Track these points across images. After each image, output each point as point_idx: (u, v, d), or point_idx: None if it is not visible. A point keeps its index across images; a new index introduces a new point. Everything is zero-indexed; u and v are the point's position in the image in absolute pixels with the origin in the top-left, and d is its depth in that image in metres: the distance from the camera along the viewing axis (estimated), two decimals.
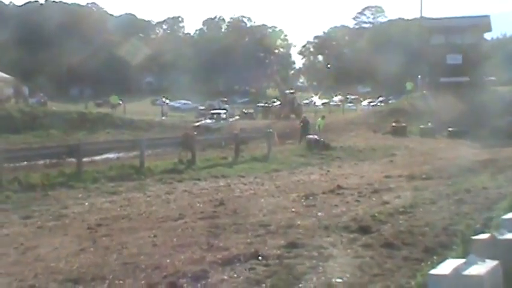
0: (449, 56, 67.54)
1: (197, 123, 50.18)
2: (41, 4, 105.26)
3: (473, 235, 10.56)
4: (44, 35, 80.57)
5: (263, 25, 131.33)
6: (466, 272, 8.09)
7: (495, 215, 13.69)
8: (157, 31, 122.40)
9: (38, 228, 14.26)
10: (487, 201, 17.12)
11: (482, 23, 66.76)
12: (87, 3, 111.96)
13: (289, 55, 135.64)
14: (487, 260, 8.51)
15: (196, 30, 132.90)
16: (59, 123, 46.82)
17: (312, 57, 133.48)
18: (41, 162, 26.54)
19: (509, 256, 9.31)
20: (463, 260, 8.52)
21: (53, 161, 26.60)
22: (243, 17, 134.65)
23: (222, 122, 51.60)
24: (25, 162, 25.34)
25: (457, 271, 8.12)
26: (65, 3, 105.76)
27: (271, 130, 36.11)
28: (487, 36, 73.44)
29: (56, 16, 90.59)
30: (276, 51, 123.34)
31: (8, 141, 38.02)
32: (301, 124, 43.67)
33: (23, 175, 21.99)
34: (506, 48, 64.63)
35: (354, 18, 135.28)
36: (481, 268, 8.23)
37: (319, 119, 45.03)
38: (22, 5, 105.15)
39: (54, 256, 11.37)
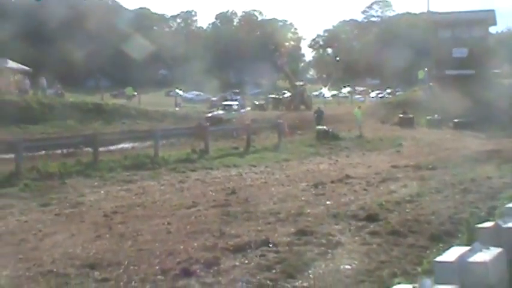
0: (455, 50, 67.21)
1: (210, 114, 50.11)
2: None
3: (478, 223, 10.55)
4: (62, 28, 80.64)
5: (274, 19, 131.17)
6: (471, 259, 8.08)
7: (499, 204, 13.66)
8: (171, 25, 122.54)
9: (55, 216, 14.32)
10: (491, 190, 17.11)
11: (487, 17, 66.43)
12: None
13: (300, 48, 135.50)
14: (492, 248, 8.49)
15: (209, 24, 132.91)
16: (76, 114, 46.84)
17: (321, 50, 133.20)
18: (59, 151, 26.58)
19: None
20: (468, 248, 8.50)
21: (70, 151, 26.63)
22: (254, 10, 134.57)
23: (233, 113, 51.49)
24: (43, 152, 25.39)
25: (462, 258, 8.11)
26: None
27: (281, 121, 36.06)
28: (492, 30, 73.14)
29: (73, 9, 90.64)
30: (287, 44, 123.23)
31: (27, 131, 38.14)
32: (316, 115, 43.64)
33: (41, 164, 22.04)
34: (511, 42, 64.35)
35: (362, 12, 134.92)
36: (485, 255, 8.21)
37: (356, 109, 44.33)
38: None
39: (71, 242, 11.42)
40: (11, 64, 58.89)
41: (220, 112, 51.22)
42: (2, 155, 23.34)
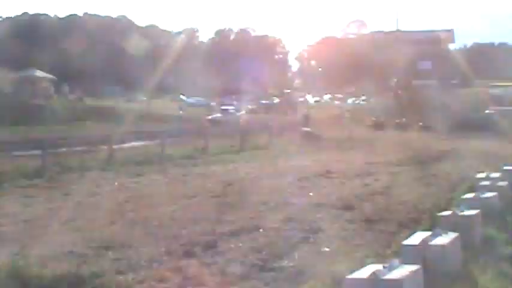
0: (420, 63, 67.69)
1: (209, 117, 50.02)
2: (80, 16, 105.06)
3: (438, 212, 10.61)
4: (82, 42, 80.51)
5: (265, 35, 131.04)
6: (432, 243, 8.14)
7: (456, 195, 13.73)
8: (176, 40, 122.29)
9: (76, 204, 14.28)
10: (450, 184, 17.17)
11: (447, 36, 66.87)
12: (118, 16, 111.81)
13: (287, 60, 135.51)
14: (449, 232, 8.56)
15: (209, 38, 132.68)
16: (94, 116, 46.87)
17: (306, 62, 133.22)
18: (79, 148, 26.56)
19: (467, 229, 9.39)
20: (430, 233, 8.56)
21: (88, 148, 26.61)
22: (249, 28, 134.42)
23: (230, 116, 51.43)
24: (65, 149, 25.37)
25: (424, 242, 8.17)
26: (99, 15, 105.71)
27: (271, 123, 36.09)
28: (451, 46, 73.38)
29: (91, 26, 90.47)
30: (276, 56, 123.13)
31: (51, 131, 38.05)
32: (303, 118, 43.61)
33: (64, 159, 22.07)
34: (466, 56, 64.68)
35: (341, 30, 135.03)
36: (444, 239, 8.28)
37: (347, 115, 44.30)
38: (64, 17, 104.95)
39: (89, 227, 11.42)
40: (39, 73, 58.86)
41: (219, 115, 51.17)
42: (30, 151, 23.33)
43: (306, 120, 42.46)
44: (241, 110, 62.92)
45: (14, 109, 43.69)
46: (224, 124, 45.42)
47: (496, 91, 55.30)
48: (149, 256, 9.12)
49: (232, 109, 56.28)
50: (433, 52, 64.19)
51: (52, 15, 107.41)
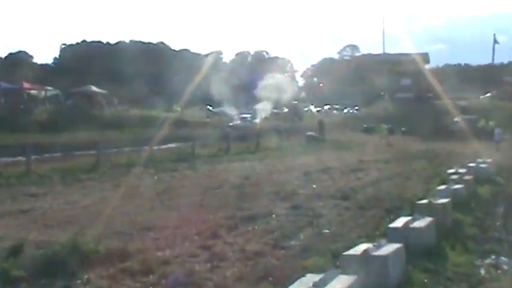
0: (402, 80, 67.51)
1: (231, 124, 49.87)
2: (126, 43, 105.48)
3: (417, 200, 10.57)
4: (128, 64, 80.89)
5: (276, 57, 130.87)
6: (412, 226, 8.14)
7: (431, 187, 13.68)
8: (204, 61, 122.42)
9: (123, 193, 14.37)
10: (426, 177, 17.13)
11: (423, 58, 66.73)
12: (157, 42, 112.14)
13: (294, 77, 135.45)
14: (426, 217, 8.54)
15: (231, 60, 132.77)
16: (138, 123, 46.99)
17: (309, 79, 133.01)
18: (126, 149, 26.69)
19: (441, 215, 9.38)
20: (410, 217, 8.54)
21: (134, 148, 26.72)
22: (263, 51, 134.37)
23: (247, 123, 51.22)
24: (115, 149, 25.51)
25: (406, 225, 8.17)
26: (142, 42, 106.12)
27: (281, 129, 36.05)
28: (427, 66, 72.95)
29: (136, 51, 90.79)
30: (285, 74, 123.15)
31: (104, 135, 38.22)
32: (319, 124, 42.54)
33: (114, 158, 22.22)
34: (438, 75, 64.48)
35: (338, 53, 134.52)
36: (421, 223, 8.28)
37: (383, 125, 43.22)
38: (114, 44, 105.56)
39: (134, 212, 11.46)
40: (94, 89, 59.22)
41: (238, 122, 50.97)
42: (88, 151, 23.49)
43: (321, 125, 41.64)
44: (257, 118, 62.77)
45: (74, 118, 43.93)
46: (243, 130, 45.28)
47: (462, 103, 55.05)
48: (183, 236, 9.14)
49: (250, 117, 55.97)
50: (412, 71, 63.97)
51: (104, 42, 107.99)
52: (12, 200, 13.23)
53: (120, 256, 7.67)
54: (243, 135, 37.62)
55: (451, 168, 16.93)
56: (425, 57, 70.33)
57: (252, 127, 45.03)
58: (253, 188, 15.04)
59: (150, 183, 16.53)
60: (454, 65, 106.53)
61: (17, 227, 10.09)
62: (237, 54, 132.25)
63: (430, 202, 9.82)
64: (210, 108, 71.48)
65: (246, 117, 53.02)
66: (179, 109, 63.67)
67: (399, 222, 8.35)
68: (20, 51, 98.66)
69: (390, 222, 8.73)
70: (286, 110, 65.56)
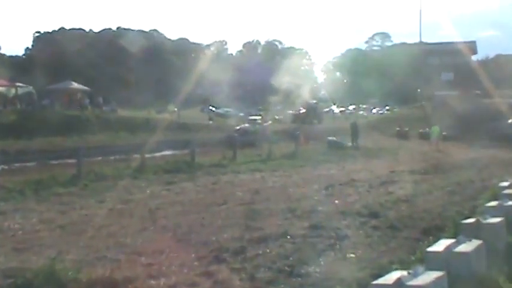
0: (443, 74, 67.27)
1: (237, 127, 49.94)
2: (114, 31, 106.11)
3: (462, 219, 10.49)
4: (115, 56, 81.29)
5: (291, 47, 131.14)
6: (456, 250, 8.04)
7: (480, 203, 13.58)
8: (206, 52, 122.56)
9: (109, 210, 14.38)
10: (473, 192, 17.01)
11: (469, 47, 66.40)
12: (150, 30, 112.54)
13: (313, 71, 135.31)
14: (473, 240, 8.45)
15: (238, 51, 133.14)
16: (126, 126, 47.22)
17: (331, 74, 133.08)
18: (112, 157, 26.77)
19: (491, 237, 9.26)
20: (454, 240, 8.46)
21: (122, 157, 26.79)
22: (275, 40, 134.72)
23: (257, 126, 51.28)
24: (100, 158, 25.59)
25: (448, 249, 8.07)
26: (132, 30, 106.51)
27: (298, 132, 35.99)
28: (474, 57, 72.82)
29: (125, 40, 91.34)
30: (302, 68, 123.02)
31: (86, 140, 38.42)
32: (351, 128, 41.82)
33: (98, 168, 22.21)
34: (488, 67, 64.07)
35: (365, 42, 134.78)
36: (468, 246, 8.17)
37: (436, 127, 42.99)
38: (99, 32, 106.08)
39: (122, 233, 11.47)
40: (75, 85, 59.57)
41: (246, 125, 51.01)
42: (66, 159, 23.56)
43: (354, 129, 40.85)
44: (268, 121, 62.90)
45: (50, 119, 44.19)
46: (251, 134, 45.34)
47: None
48: (180, 261, 9.14)
49: (260, 119, 56.15)
50: (455, 63, 63.77)
51: (87, 30, 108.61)
52: None
53: (105, 286, 7.68)
54: (252, 141, 37.66)
55: (504, 180, 16.81)
56: (472, 47, 70.22)
57: (262, 131, 45.07)
58: (265, 204, 15.01)
59: (142, 199, 16.53)
60: (508, 55, 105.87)
61: None
62: (244, 45, 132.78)
63: (478, 221, 9.73)
64: (213, 108, 71.75)
65: (255, 119, 53.06)
66: (175, 109, 64.00)
67: (440, 246, 8.26)
68: None
69: (429, 246, 8.66)
70: (303, 110, 65.68)
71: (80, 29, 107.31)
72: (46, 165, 23.71)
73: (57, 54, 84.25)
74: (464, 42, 66.15)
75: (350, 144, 37.82)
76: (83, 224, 12.45)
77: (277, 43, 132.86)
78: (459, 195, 16.40)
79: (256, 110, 72.43)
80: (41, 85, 58.69)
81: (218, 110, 71.87)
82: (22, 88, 56.35)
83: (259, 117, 54.05)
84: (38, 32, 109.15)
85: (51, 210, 14.52)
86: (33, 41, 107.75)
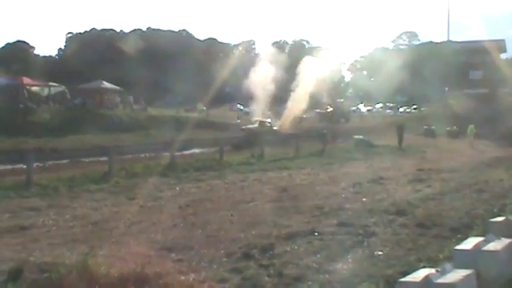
0: (471, 72, 66.43)
1: (243, 127, 49.00)
2: (144, 31, 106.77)
3: (491, 218, 10.38)
4: (146, 56, 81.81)
5: (318, 47, 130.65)
6: (485, 248, 7.95)
7: (509, 202, 13.45)
8: (234, 52, 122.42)
9: (140, 207, 14.49)
10: (502, 190, 16.84)
11: (498, 45, 65.46)
12: (179, 30, 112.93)
13: (340, 71, 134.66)
14: (502, 238, 8.34)
15: (265, 51, 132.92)
16: (156, 125, 47.47)
17: (358, 73, 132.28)
18: (142, 155, 26.91)
19: None
20: (483, 238, 8.36)
21: (152, 155, 26.93)
22: (303, 40, 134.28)
23: (264, 127, 50.16)
24: (130, 156, 25.73)
25: (477, 247, 7.98)
26: (162, 30, 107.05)
27: (325, 131, 35.81)
28: (503, 56, 71.80)
29: (154, 41, 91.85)
30: (329, 67, 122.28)
31: (117, 138, 38.69)
32: (398, 129, 40.99)
33: (129, 165, 22.37)
34: None
35: (392, 41, 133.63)
36: (497, 245, 8.07)
37: (471, 126, 42.63)
38: (129, 32, 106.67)
39: (153, 229, 11.55)
40: (106, 84, 60.01)
41: (255, 126, 49.62)
42: (98, 157, 23.75)
43: (400, 131, 39.92)
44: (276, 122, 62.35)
45: (82, 118, 44.62)
46: (257, 133, 44.52)
47: None
48: (209, 258, 9.18)
49: (269, 122, 55.22)
50: (484, 62, 62.93)
51: (118, 30, 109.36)
52: (10, 215, 13.44)
53: (136, 281, 7.72)
54: (280, 138, 37.45)
55: None
56: (501, 45, 69.12)
57: (268, 131, 44.17)
58: (292, 201, 15.00)
59: (171, 196, 16.61)
60: None
61: (16, 246, 10.26)
62: (272, 44, 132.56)
63: (507, 220, 9.61)
64: (241, 107, 71.67)
65: (265, 121, 52.02)
66: (204, 108, 64.14)
67: (468, 244, 8.17)
68: (18, 41, 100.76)
69: (457, 244, 8.59)
70: (330, 109, 65.41)
71: (110, 29, 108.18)
72: (78, 162, 23.94)
73: (88, 54, 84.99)
74: (493, 41, 65.23)
75: (397, 145, 37.06)
76: (114, 221, 12.57)
77: (304, 42, 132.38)
78: (488, 194, 16.22)
79: (282, 108, 72.22)
80: (73, 84, 59.20)
81: (246, 109, 71.86)
82: (55, 87, 56.97)
83: (269, 120, 52.95)
84: (70, 33, 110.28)
85: (83, 206, 14.68)
86: (66, 42, 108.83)
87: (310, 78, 54.69)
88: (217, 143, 28.95)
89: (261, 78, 53.97)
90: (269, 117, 52.98)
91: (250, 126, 47.24)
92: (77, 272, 7.52)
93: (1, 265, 8.59)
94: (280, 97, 56.13)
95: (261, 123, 48.66)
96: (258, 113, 54.90)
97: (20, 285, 7.39)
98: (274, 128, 48.02)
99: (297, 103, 54.51)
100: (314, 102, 61.28)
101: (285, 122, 52.54)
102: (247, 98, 58.78)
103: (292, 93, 54.85)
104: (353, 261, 9.00)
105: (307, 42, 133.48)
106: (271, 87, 53.60)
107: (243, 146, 31.90)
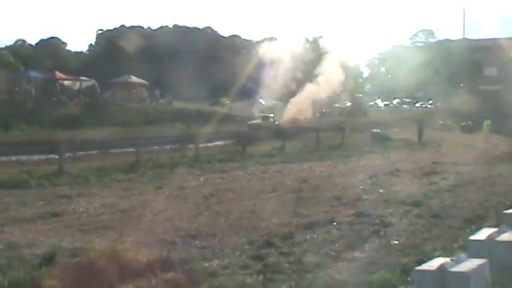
0: (485, 69, 65.78)
1: (249, 122, 48.71)
2: (170, 28, 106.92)
3: (504, 210, 10.28)
4: (173, 51, 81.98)
5: (337, 43, 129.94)
6: (499, 238, 7.88)
7: None
8: (257, 48, 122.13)
9: (166, 196, 14.57)
10: None
11: None
12: (204, 27, 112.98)
13: (358, 67, 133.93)
14: None
15: (287, 47, 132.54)
16: (182, 118, 47.55)
17: (376, 69, 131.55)
18: (168, 147, 26.99)
19: None
20: (496, 229, 8.29)
21: (177, 146, 27.00)
22: (321, 37, 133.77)
23: (268, 122, 49.87)
24: (156, 147, 25.81)
25: (491, 237, 7.92)
26: (188, 27, 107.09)
27: (344, 125, 35.68)
28: None
29: (181, 36, 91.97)
30: (348, 63, 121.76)
31: (144, 130, 38.85)
32: (418, 124, 40.56)
33: (155, 157, 22.47)
34: None
35: (410, 39, 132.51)
36: (510, 235, 7.99)
37: (487, 121, 42.30)
38: (156, 29, 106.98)
39: (178, 217, 11.60)
40: (133, 79, 60.28)
41: (259, 121, 49.28)
42: (126, 148, 23.86)
43: (421, 126, 39.36)
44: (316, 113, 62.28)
45: (111, 111, 44.84)
46: (262, 129, 44.16)
47: None
48: (232, 245, 9.21)
49: (272, 117, 54.90)
50: (499, 59, 62.24)
51: (145, 27, 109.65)
52: (43, 202, 13.58)
53: (163, 266, 7.77)
54: (299, 131, 37.33)
55: None
56: None
57: (271, 126, 43.87)
58: (312, 192, 14.99)
59: (196, 186, 16.68)
60: None
61: (49, 232, 10.36)
62: (293, 41, 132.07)
63: None
64: (263, 101, 71.64)
65: (268, 117, 51.74)
66: (228, 102, 64.18)
67: (482, 234, 8.11)
68: (52, 38, 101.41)
69: (471, 234, 8.53)
70: (349, 104, 65.12)
71: (138, 26, 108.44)
72: (107, 153, 24.06)
73: (117, 50, 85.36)
74: (508, 39, 64.42)
75: (417, 140, 36.66)
76: (141, 209, 12.65)
77: (324, 39, 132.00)
78: (501, 186, 16.09)
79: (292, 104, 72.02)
80: (103, 79, 59.52)
81: (268, 103, 71.84)
82: (86, 82, 57.27)
83: (272, 115, 52.66)
84: (101, 30, 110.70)
85: (112, 195, 14.79)
86: (96, 38, 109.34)
87: (330, 74, 54.38)
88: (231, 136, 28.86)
89: (282, 74, 53.71)
90: (271, 112, 52.80)
91: (254, 121, 47.10)
92: (106, 257, 7.59)
93: (35, 249, 8.71)
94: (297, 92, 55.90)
95: (264, 118, 48.58)
96: (277, 107, 54.82)
97: (52, 269, 7.47)
98: (276, 122, 47.77)
99: (309, 102, 54.11)
100: (335, 97, 61.13)
101: (288, 117, 52.23)
102: (269, 93, 58.74)
103: (307, 89, 54.50)
104: (370, 250, 8.99)
105: (327, 38, 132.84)
106: (291, 83, 53.34)
107: (252, 139, 31.69)
